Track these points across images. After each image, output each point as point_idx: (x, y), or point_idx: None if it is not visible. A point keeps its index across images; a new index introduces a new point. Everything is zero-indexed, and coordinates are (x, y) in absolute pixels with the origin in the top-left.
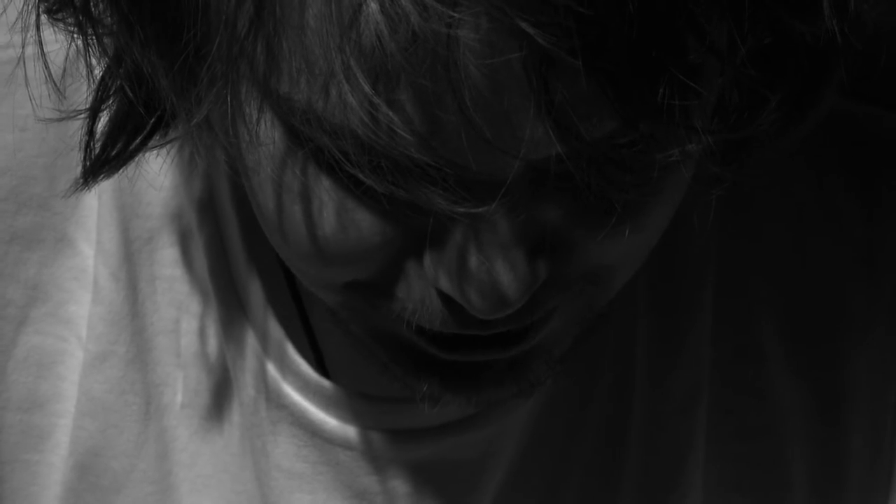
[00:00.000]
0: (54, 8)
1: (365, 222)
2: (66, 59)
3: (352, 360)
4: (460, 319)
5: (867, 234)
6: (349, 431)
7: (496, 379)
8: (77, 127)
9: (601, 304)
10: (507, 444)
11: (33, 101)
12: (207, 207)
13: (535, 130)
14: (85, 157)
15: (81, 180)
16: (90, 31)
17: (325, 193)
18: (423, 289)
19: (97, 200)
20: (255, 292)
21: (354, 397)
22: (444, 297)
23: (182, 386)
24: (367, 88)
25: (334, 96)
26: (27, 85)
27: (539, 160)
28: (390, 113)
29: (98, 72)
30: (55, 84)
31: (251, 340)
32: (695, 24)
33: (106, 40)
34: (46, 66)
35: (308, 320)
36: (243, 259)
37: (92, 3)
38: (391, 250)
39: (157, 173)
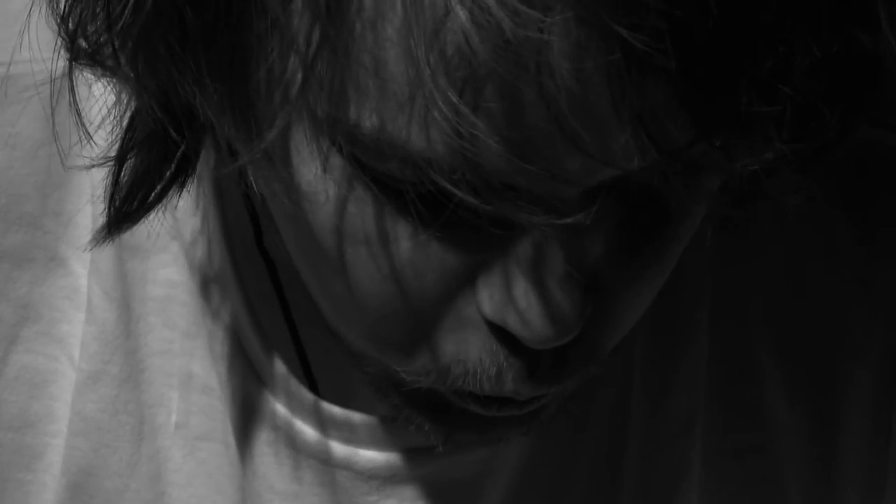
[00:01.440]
0: (88, 56)
1: (438, 249)
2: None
3: (346, 380)
4: (510, 378)
5: (863, 256)
6: (345, 452)
7: (510, 423)
8: (71, 147)
9: (608, 351)
10: (504, 465)
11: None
12: (199, 235)
13: (624, 136)
14: (109, 208)
15: (105, 232)
16: (126, 76)
17: (398, 223)
18: (478, 341)
19: (90, 219)
20: (252, 325)
21: (350, 417)
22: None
23: (176, 407)
24: (453, 98)
25: (417, 110)
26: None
27: (626, 168)
28: (477, 121)
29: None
30: (86, 130)
31: (244, 361)
32: (771, 29)
33: (146, 82)
34: (78, 113)
35: (300, 341)
36: (235, 287)
37: (131, 48)
38: (446, 283)
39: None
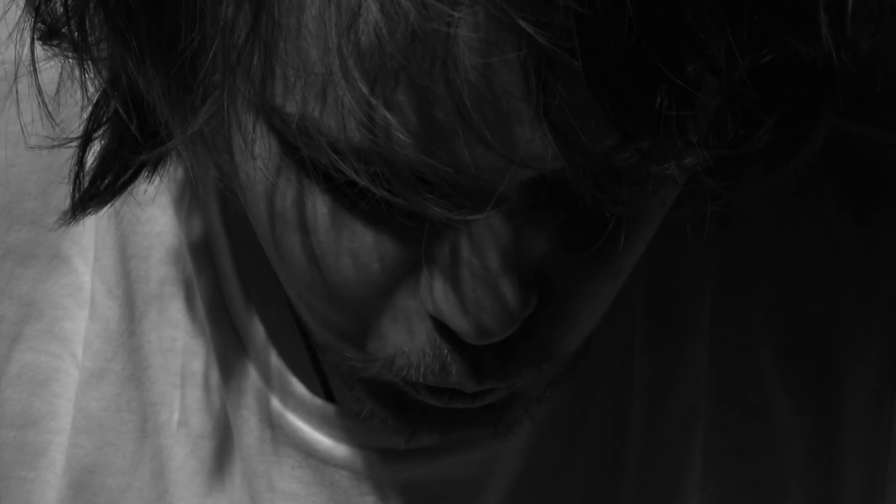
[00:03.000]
0: (47, 34)
1: (361, 237)
2: (60, 82)
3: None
4: (454, 371)
5: (862, 253)
6: (344, 451)
7: (471, 420)
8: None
9: (567, 354)
10: (504, 465)
11: (23, 127)
12: (202, 242)
13: (533, 135)
14: (74, 189)
15: (70, 213)
16: (85, 55)
17: (320, 207)
18: (422, 333)
19: (93, 218)
20: (251, 315)
21: (349, 417)
22: (439, 341)
23: (179, 405)
24: (364, 89)
25: (331, 99)
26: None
27: (536, 167)
28: (387, 115)
29: (89, 98)
30: (47, 110)
31: (246, 361)
32: (691, 33)
33: (100, 64)
34: (40, 92)
35: (309, 341)
36: (236, 283)
37: (88, 27)
38: (386, 275)
39: (151, 195)
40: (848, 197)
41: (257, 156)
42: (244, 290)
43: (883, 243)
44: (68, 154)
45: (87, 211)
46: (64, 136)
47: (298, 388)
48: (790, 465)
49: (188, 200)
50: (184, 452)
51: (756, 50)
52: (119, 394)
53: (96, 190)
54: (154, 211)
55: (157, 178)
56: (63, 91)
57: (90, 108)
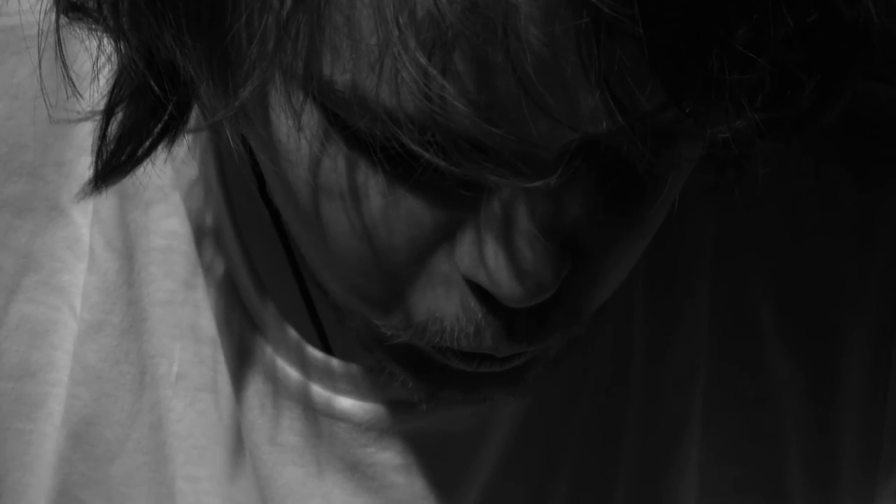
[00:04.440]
0: (72, 6)
1: (410, 205)
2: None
3: (347, 334)
4: (488, 335)
5: (861, 211)
6: (342, 403)
7: (494, 382)
8: (72, 100)
9: (591, 313)
10: (503, 418)
11: (45, 97)
12: (197, 185)
13: (592, 101)
14: (97, 161)
15: (93, 184)
16: (113, 26)
17: (370, 176)
18: (456, 298)
19: (92, 170)
20: (247, 265)
21: (347, 369)
22: (474, 305)
23: (178, 357)
24: (422, 60)
25: (387, 70)
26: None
27: (593, 133)
28: (446, 84)
29: (110, 72)
30: (73, 84)
31: (244, 314)
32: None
33: (129, 36)
34: (65, 65)
35: (308, 293)
36: (236, 244)
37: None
38: (428, 241)
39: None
40: (846, 152)
41: (304, 126)
42: (245, 252)
43: (881, 201)
44: (67, 107)
45: (109, 183)
46: (90, 110)
47: (297, 340)
48: (788, 420)
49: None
50: (182, 405)
51: (802, 10)
52: (117, 346)
53: (118, 161)
54: (155, 166)
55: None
56: (80, 62)
57: (115, 80)
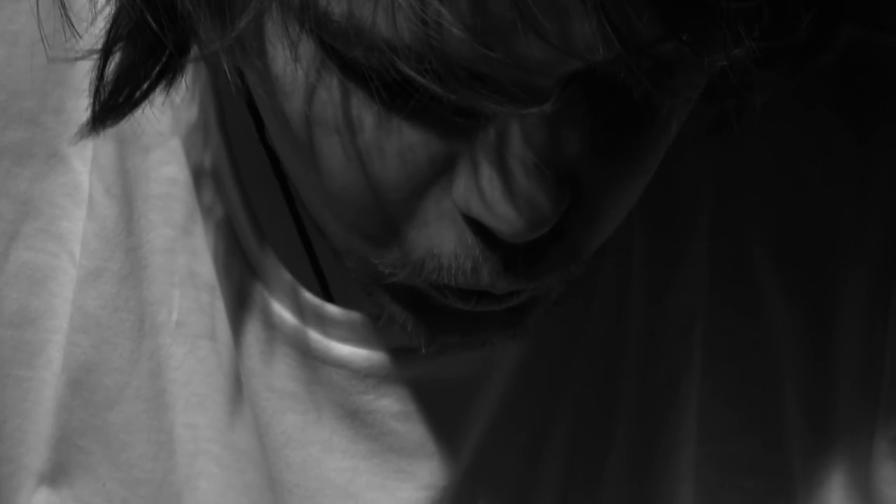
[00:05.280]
0: None
1: (407, 135)
2: None
3: (347, 280)
4: (485, 272)
5: (858, 158)
6: (341, 350)
7: (493, 324)
8: (72, 46)
9: (590, 252)
10: (502, 364)
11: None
12: (196, 130)
13: (589, 26)
14: (94, 102)
15: (90, 126)
16: None
17: (366, 107)
18: (453, 234)
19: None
20: (247, 214)
21: (346, 316)
22: (472, 241)
23: (177, 305)
24: None
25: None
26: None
27: (590, 59)
28: (442, 9)
29: (109, 14)
30: (71, 23)
31: (243, 261)
32: None
33: None
34: (63, 5)
35: (308, 239)
36: (235, 187)
37: None
38: (424, 174)
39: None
40: (843, 100)
41: (300, 57)
42: (244, 196)
43: (879, 148)
44: (66, 54)
45: (107, 124)
46: (88, 49)
47: (297, 288)
48: (786, 365)
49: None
50: (182, 352)
51: None
52: (116, 293)
53: (115, 102)
54: (154, 111)
55: (185, 84)
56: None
57: (112, 18)
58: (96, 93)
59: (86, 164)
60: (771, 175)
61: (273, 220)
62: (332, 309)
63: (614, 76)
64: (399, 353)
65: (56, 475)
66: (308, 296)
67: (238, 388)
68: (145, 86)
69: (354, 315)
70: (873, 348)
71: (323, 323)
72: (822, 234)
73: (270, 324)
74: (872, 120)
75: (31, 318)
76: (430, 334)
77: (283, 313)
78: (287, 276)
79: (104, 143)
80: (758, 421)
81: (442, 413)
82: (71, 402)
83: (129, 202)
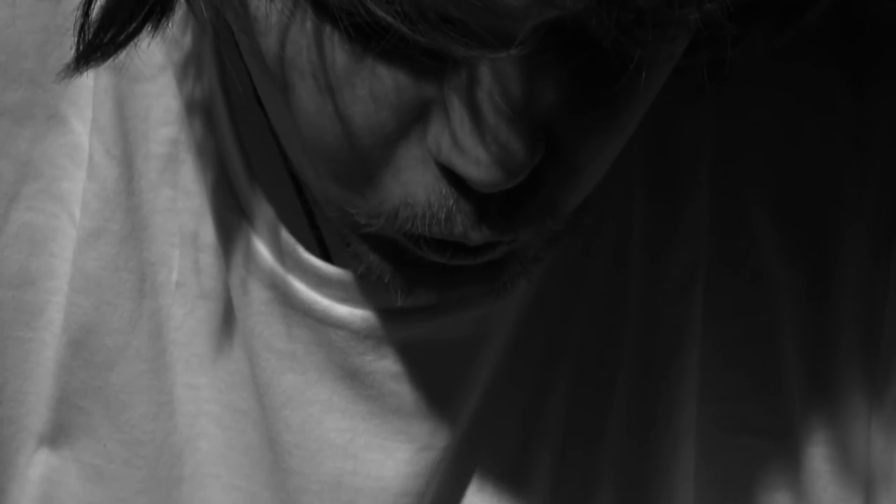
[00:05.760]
0: None
1: (378, 79)
2: None
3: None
4: (459, 221)
5: (859, 117)
6: (341, 311)
7: (470, 279)
8: (72, 7)
9: (568, 209)
10: (501, 324)
11: None
12: (201, 106)
13: None
14: (79, 41)
15: (74, 64)
16: None
17: (338, 49)
18: (427, 182)
19: (91, 78)
20: (249, 176)
21: (346, 277)
22: (445, 190)
23: (177, 265)
24: None
25: None
26: None
27: (560, 6)
28: None
29: None
30: None
31: (244, 222)
32: None
33: None
34: None
35: (308, 203)
36: (235, 145)
37: None
38: (398, 119)
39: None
40: (843, 57)
41: (273, 0)
42: (242, 152)
43: (880, 108)
44: (66, 14)
45: (91, 63)
46: None
47: (296, 248)
48: (786, 324)
49: (189, 67)
50: (182, 312)
51: None
52: (117, 253)
53: (100, 42)
54: (153, 71)
55: (159, 35)
56: None
57: None
58: (81, 31)
59: (86, 124)
60: (770, 133)
61: (274, 183)
62: (333, 270)
63: (585, 25)
64: (398, 314)
65: (56, 436)
66: (309, 257)
67: (238, 349)
68: (131, 26)
69: (352, 275)
70: (873, 306)
71: (323, 283)
72: (822, 191)
73: (271, 284)
74: (873, 78)
75: (31, 279)
76: (407, 287)
77: (284, 274)
78: (288, 238)
79: (103, 103)
80: (758, 380)
81: (441, 373)
82: (71, 362)
83: (129, 163)
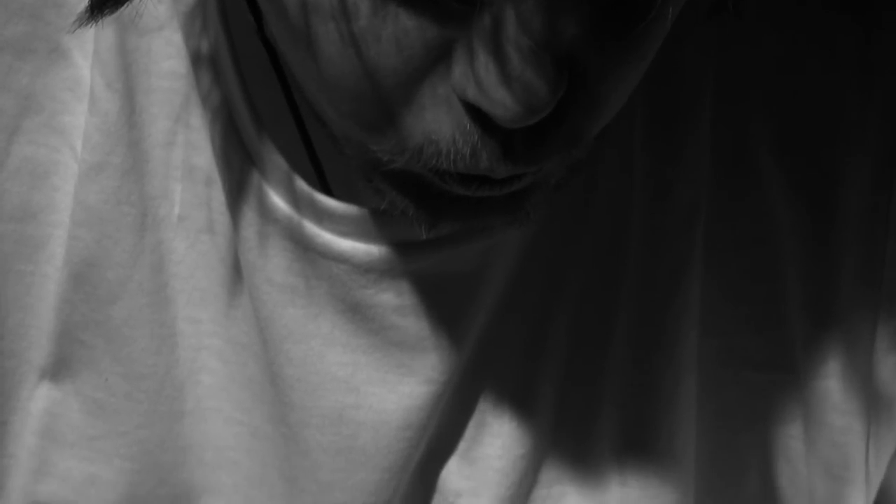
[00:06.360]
0: None
1: (402, 20)
2: None
3: (345, 174)
4: (485, 156)
5: (860, 50)
6: (342, 245)
7: (494, 209)
8: None
9: (590, 137)
10: (503, 258)
11: None
12: (196, 20)
13: None
14: None
15: (88, 14)
16: None
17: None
18: (452, 119)
19: None
20: (250, 110)
21: (347, 210)
22: (470, 126)
23: (179, 199)
24: None
25: None
26: None
27: None
28: None
29: None
30: None
31: (244, 155)
32: None
33: None
34: None
35: (306, 133)
36: (235, 78)
37: None
38: (422, 59)
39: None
40: None
41: None
42: (242, 84)
43: (880, 40)
44: None
45: (105, 11)
46: None
47: (299, 182)
48: (788, 259)
49: (194, 17)
50: (183, 246)
51: None
52: (118, 187)
53: None
54: (155, 4)
55: None
56: None
57: None
58: None
59: (87, 58)
60: (772, 68)
61: (271, 112)
62: (334, 203)
63: None
64: (400, 248)
65: (58, 369)
66: (310, 190)
67: (239, 283)
68: None
69: (354, 209)
70: (875, 238)
71: (324, 217)
72: (824, 125)
73: (272, 218)
74: (873, 10)
75: (32, 212)
76: (432, 221)
77: (285, 208)
78: (289, 172)
79: (105, 37)
80: (760, 314)
81: (443, 307)
82: (73, 296)
83: (131, 96)
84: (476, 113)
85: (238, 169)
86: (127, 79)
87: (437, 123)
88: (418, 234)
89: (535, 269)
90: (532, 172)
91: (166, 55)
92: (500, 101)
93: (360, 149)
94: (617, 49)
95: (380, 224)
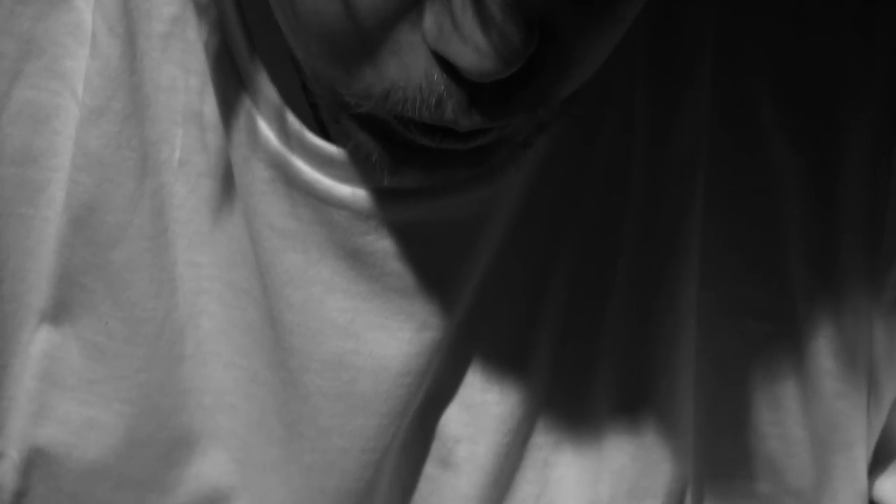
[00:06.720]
0: None
1: None
2: None
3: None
4: (449, 108)
5: (864, 5)
6: (343, 191)
7: (457, 162)
8: None
9: (559, 98)
10: (503, 205)
11: None
12: None
13: None
14: None
15: None
16: None
17: None
18: (420, 68)
19: None
20: (252, 57)
21: (348, 157)
22: (437, 76)
23: (180, 143)
24: None
25: None
26: None
27: None
28: None
29: None
30: None
31: (247, 102)
32: None
33: None
34: None
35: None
36: (239, 26)
37: None
38: (395, 9)
39: None
40: None
41: None
42: (245, 32)
43: None
44: None
45: None
46: None
47: (299, 128)
48: (788, 209)
49: None
50: (184, 191)
51: None
52: (119, 131)
53: None
54: None
55: None
56: None
57: None
58: None
59: (88, 2)
60: (774, 21)
61: (276, 64)
62: (335, 150)
63: None
64: (400, 195)
65: (58, 313)
66: (311, 136)
67: (240, 227)
68: None
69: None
70: (877, 191)
71: (325, 163)
72: (826, 78)
73: (273, 163)
74: None
75: (33, 156)
76: (394, 166)
77: (286, 153)
78: (292, 119)
79: None
80: (760, 265)
81: (443, 254)
82: (73, 240)
83: (132, 41)
84: (445, 64)
85: (241, 115)
86: (128, 23)
87: (405, 70)
88: (419, 181)
89: (535, 219)
90: (497, 128)
91: (169, 1)
92: (475, 49)
93: (328, 90)
94: (590, 11)
95: (380, 171)
